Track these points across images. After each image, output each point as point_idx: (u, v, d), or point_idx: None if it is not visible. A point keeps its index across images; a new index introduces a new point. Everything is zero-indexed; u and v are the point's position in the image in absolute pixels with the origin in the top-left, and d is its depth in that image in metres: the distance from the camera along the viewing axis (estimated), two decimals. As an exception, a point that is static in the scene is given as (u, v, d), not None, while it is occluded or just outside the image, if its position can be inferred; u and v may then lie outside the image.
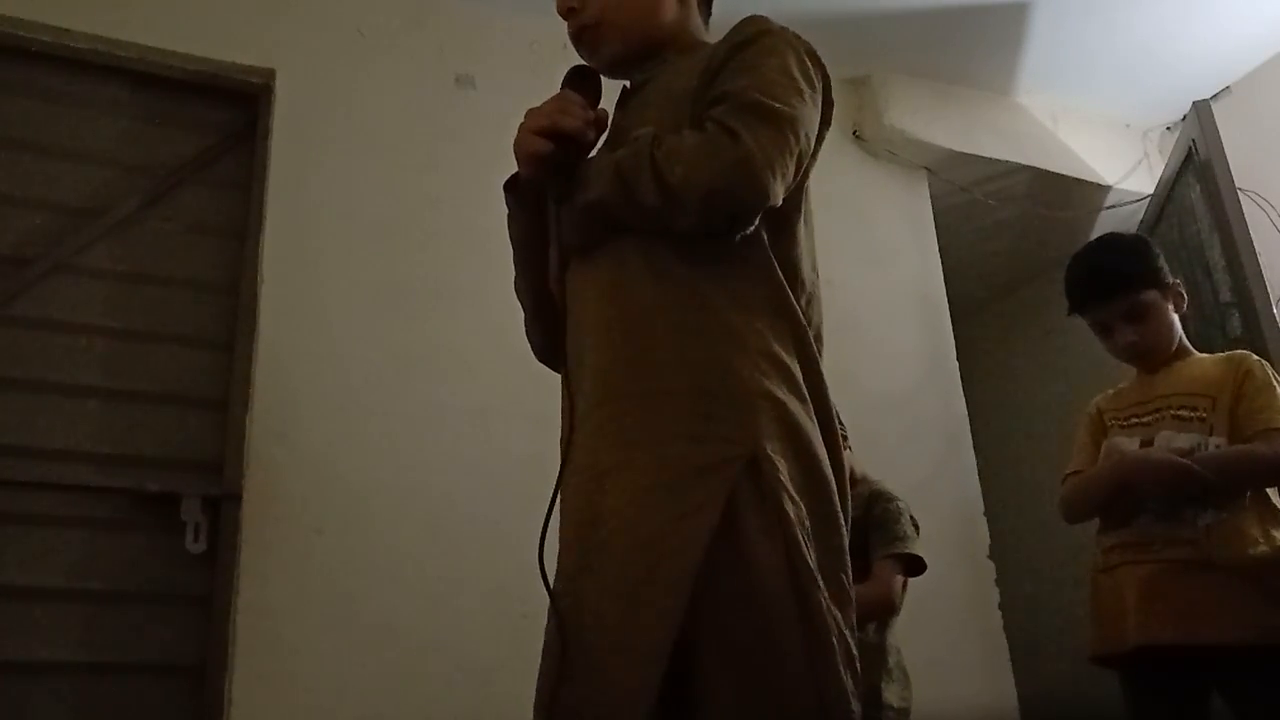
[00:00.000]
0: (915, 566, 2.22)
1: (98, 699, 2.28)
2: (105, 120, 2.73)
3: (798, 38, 1.33)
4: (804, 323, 1.27)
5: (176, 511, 2.39)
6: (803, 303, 1.29)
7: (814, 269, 1.34)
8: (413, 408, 2.63)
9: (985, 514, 3.27)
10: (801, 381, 1.24)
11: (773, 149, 1.20)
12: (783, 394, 1.21)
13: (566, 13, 1.42)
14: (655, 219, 1.22)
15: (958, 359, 3.47)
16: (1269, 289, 3.10)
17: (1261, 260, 3.16)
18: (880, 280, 3.34)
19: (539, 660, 1.21)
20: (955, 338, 3.50)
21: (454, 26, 3.10)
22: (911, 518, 2.26)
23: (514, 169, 1.36)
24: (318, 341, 2.62)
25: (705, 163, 1.19)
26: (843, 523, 1.21)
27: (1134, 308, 2.12)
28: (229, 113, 2.87)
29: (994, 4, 3.36)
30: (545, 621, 1.22)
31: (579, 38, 1.43)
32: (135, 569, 2.38)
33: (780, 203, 1.23)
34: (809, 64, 1.31)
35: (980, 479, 3.32)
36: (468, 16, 3.12)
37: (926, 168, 3.63)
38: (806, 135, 1.26)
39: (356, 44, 2.97)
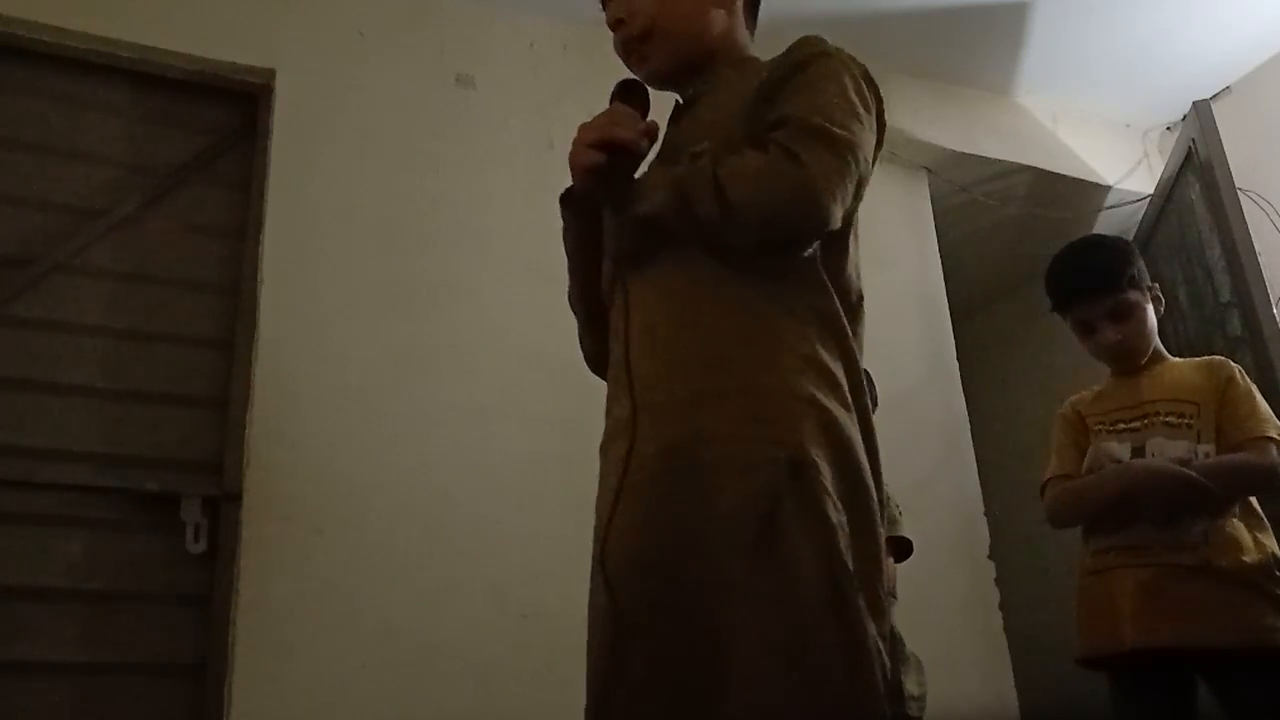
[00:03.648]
0: (904, 549, 2.23)
1: (98, 699, 2.28)
2: (105, 120, 2.73)
3: (853, 59, 1.34)
4: (849, 332, 1.29)
5: (176, 511, 2.39)
6: (848, 313, 1.31)
7: (859, 278, 1.37)
8: (413, 408, 2.63)
9: (985, 514, 3.27)
10: (846, 390, 1.26)
11: (834, 174, 1.22)
12: (828, 401, 1.23)
13: (615, 24, 1.43)
14: (714, 236, 1.25)
15: (958, 359, 3.47)
16: (1269, 289, 3.10)
17: (1261, 260, 3.16)
18: (880, 280, 3.31)
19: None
20: (955, 338, 3.50)
21: (454, 26, 3.10)
22: (896, 505, 2.27)
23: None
24: (318, 341, 2.62)
25: (768, 186, 1.21)
26: (880, 532, 1.22)
27: (1118, 307, 2.13)
28: (229, 113, 2.86)
29: (994, 4, 3.36)
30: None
31: (627, 49, 1.44)
32: (135, 569, 2.38)
33: (839, 226, 1.27)
34: (864, 87, 1.33)
35: (980, 479, 3.32)
36: (468, 16, 3.12)
37: (926, 168, 3.63)
38: (865, 159, 1.28)
39: (356, 44, 2.97)
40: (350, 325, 2.66)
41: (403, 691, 2.37)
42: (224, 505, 2.42)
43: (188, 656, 2.36)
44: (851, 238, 1.35)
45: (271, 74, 2.84)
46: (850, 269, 1.34)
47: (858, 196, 1.30)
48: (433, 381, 2.68)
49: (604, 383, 1.39)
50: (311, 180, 2.77)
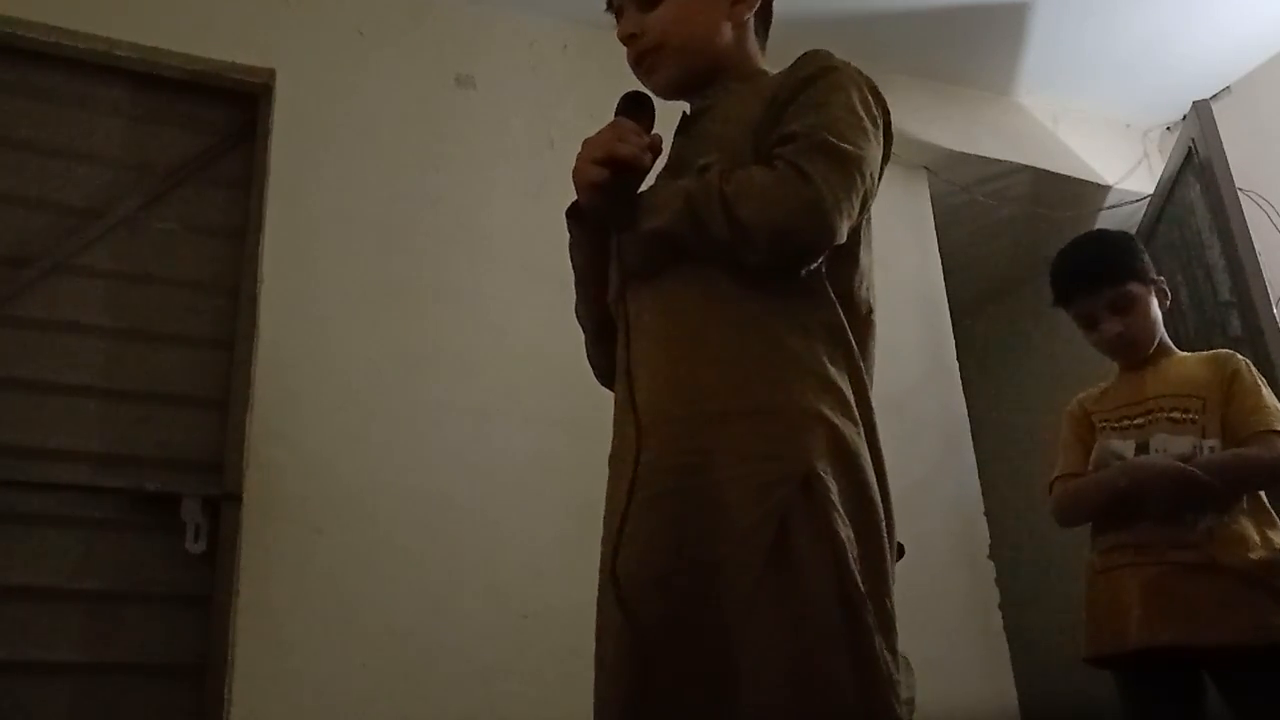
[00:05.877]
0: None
1: (98, 699, 2.28)
2: (105, 120, 2.73)
3: (860, 73, 1.35)
4: (855, 348, 1.29)
5: (176, 511, 2.39)
6: (858, 327, 1.31)
7: (871, 293, 1.36)
8: (413, 408, 2.63)
9: (985, 514, 3.27)
10: (854, 405, 1.26)
11: (841, 190, 1.22)
12: (836, 417, 1.23)
13: (627, 39, 1.44)
14: (723, 252, 1.25)
15: (958, 359, 3.47)
16: (1269, 289, 3.10)
17: (1261, 260, 3.16)
18: (880, 280, 3.31)
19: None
20: (955, 338, 3.50)
21: (454, 26, 3.10)
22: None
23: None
24: (318, 341, 2.62)
25: (776, 202, 1.21)
26: (888, 546, 1.23)
27: (1119, 299, 2.13)
28: (229, 113, 2.86)
29: (994, 4, 3.36)
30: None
31: (639, 62, 1.45)
32: (135, 569, 2.38)
33: (845, 239, 1.26)
34: (871, 101, 1.33)
35: (980, 479, 3.32)
36: (468, 16, 3.12)
37: (926, 168, 3.63)
38: (871, 174, 1.29)
39: (356, 44, 2.97)
40: (350, 325, 2.66)
41: (403, 691, 2.37)
42: (224, 505, 2.42)
43: (188, 656, 2.36)
44: (861, 251, 1.35)
45: (271, 74, 2.84)
46: (859, 283, 1.34)
47: (864, 211, 1.30)
48: (433, 382, 2.68)
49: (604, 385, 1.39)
50: (311, 180, 2.76)
